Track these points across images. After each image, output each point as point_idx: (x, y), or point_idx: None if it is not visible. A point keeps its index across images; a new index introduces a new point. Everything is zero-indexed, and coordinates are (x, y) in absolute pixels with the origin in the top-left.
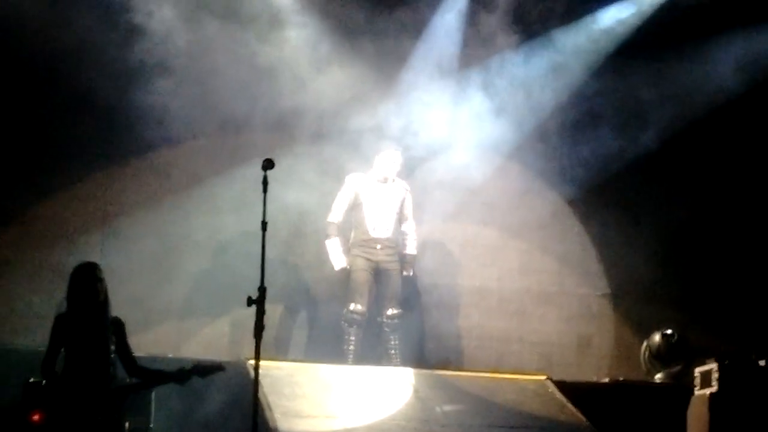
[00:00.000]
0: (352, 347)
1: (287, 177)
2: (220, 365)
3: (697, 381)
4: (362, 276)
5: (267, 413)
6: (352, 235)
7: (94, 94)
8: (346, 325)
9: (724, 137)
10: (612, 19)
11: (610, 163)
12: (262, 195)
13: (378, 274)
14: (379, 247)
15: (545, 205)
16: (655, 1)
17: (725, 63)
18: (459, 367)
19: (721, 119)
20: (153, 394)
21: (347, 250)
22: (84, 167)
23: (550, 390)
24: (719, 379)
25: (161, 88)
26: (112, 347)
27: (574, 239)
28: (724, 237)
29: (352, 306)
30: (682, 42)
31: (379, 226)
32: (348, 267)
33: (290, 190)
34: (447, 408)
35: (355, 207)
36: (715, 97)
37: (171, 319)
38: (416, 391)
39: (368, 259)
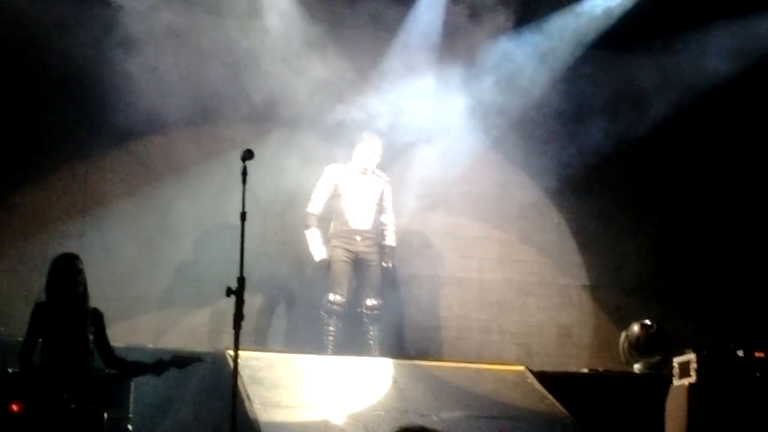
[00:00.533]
0: (331, 338)
1: (267, 167)
2: (197, 356)
3: (676, 371)
4: (342, 266)
5: (246, 404)
6: (332, 225)
7: (72, 83)
8: (326, 315)
9: (709, 129)
10: (599, 8)
11: (592, 155)
12: (241, 185)
13: (358, 264)
14: (358, 238)
15: (525, 195)
16: None
17: (715, 52)
18: (438, 358)
19: (706, 111)
20: (132, 385)
21: (327, 241)
22: (63, 157)
23: (529, 380)
24: (698, 370)
25: (141, 77)
26: (91, 338)
27: (554, 230)
28: (704, 229)
29: (331, 296)
30: (670, 31)
31: (358, 217)
32: (328, 258)
33: (270, 181)
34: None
35: (334, 198)
36: (702, 89)
37: (150, 309)
38: (395, 381)
39: (348, 250)
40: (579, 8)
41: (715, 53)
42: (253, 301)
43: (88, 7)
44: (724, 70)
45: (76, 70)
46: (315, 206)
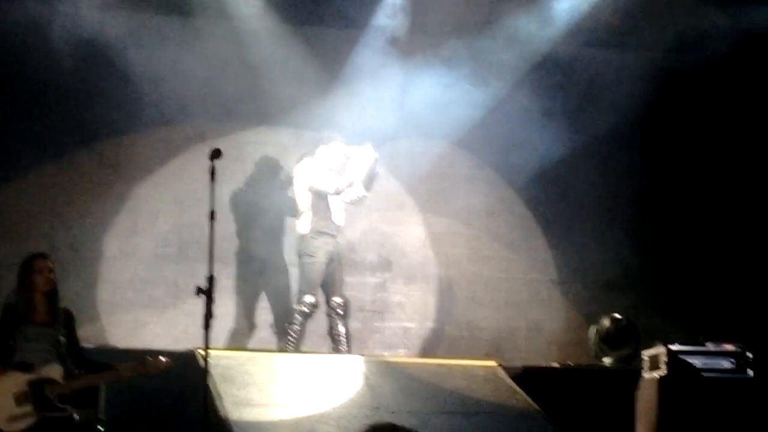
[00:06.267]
0: (297, 337)
1: (236, 166)
2: (168, 356)
3: (646, 364)
4: (321, 268)
5: (218, 402)
6: (313, 220)
7: (40, 86)
8: (301, 317)
9: (674, 123)
10: (567, 6)
11: (560, 150)
12: (210, 184)
13: (330, 262)
14: (337, 235)
15: (493, 191)
16: None
17: (675, 46)
18: (409, 354)
19: (677, 106)
20: (103, 386)
21: (311, 237)
22: (31, 158)
23: (500, 376)
24: (667, 363)
25: (108, 79)
26: (62, 338)
27: (522, 225)
28: (672, 223)
29: (309, 298)
30: (633, 28)
31: (339, 213)
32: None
33: (238, 179)
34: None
35: (315, 195)
36: (665, 84)
37: (121, 309)
38: (366, 378)
39: (328, 251)
40: (546, 8)
41: (677, 48)
42: (224, 300)
43: (52, 7)
44: (685, 66)
45: (42, 71)
46: (334, 182)
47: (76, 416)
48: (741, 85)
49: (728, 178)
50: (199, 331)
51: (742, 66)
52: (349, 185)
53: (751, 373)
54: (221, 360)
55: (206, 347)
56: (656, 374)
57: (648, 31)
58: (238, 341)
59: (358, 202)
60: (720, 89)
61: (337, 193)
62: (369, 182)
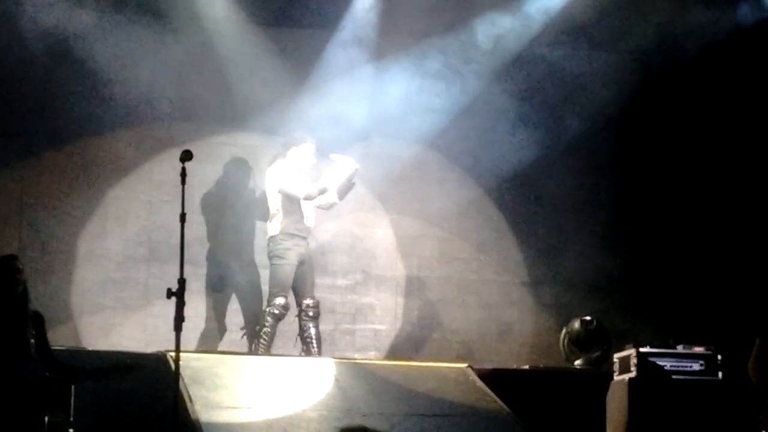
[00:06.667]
0: (268, 339)
1: (206, 167)
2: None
3: (616, 367)
4: (291, 270)
5: (188, 405)
6: (284, 222)
7: (8, 85)
8: (272, 319)
9: (649, 125)
10: (541, 5)
11: (532, 151)
12: (181, 185)
13: (301, 264)
14: (308, 237)
15: (464, 193)
16: None
17: (652, 45)
18: (380, 356)
19: (643, 108)
20: (72, 388)
21: (282, 239)
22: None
23: (470, 378)
24: (637, 365)
25: (78, 78)
26: (32, 341)
27: (493, 227)
28: (643, 224)
29: (281, 300)
30: (609, 27)
31: (310, 215)
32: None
33: (209, 181)
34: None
35: (284, 197)
36: (640, 85)
37: (91, 311)
38: (337, 380)
39: (299, 253)
40: (517, 8)
41: (648, 49)
42: (195, 303)
43: (20, 6)
44: (658, 66)
45: (10, 69)
46: (304, 187)
47: (46, 419)
48: (719, 85)
49: (703, 180)
50: (170, 333)
51: (720, 65)
52: (321, 192)
53: (720, 375)
54: (192, 362)
55: (177, 349)
56: (626, 376)
57: (624, 30)
58: (209, 343)
59: (328, 208)
60: (697, 89)
61: (308, 198)
62: (343, 192)
